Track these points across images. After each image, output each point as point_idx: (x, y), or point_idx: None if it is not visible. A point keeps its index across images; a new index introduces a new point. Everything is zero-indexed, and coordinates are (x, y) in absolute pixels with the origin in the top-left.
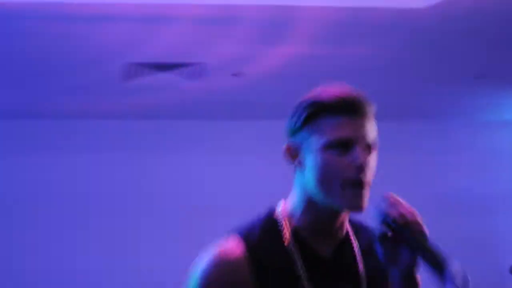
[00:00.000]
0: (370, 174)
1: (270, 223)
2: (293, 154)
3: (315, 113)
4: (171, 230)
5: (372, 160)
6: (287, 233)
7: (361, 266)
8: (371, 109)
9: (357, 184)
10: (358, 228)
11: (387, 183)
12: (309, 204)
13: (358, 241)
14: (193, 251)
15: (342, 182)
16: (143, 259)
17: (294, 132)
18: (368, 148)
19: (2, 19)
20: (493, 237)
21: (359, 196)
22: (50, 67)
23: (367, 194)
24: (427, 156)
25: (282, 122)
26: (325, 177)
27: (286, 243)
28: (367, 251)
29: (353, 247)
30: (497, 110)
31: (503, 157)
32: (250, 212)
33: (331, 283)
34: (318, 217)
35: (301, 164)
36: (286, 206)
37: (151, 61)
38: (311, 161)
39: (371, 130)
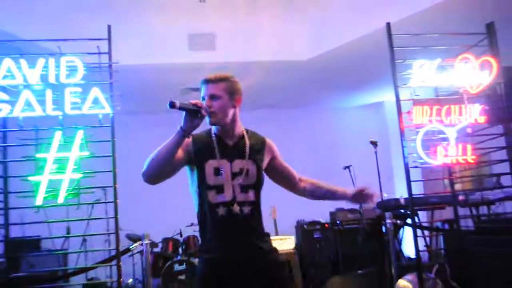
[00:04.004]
0: (215, 108)
1: (208, 131)
2: None
3: (200, 85)
4: None
5: (216, 103)
6: (213, 135)
7: (247, 150)
8: (216, 81)
9: (207, 111)
10: (252, 134)
11: (286, 138)
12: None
13: (250, 140)
14: None
15: (203, 111)
16: None
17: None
18: (212, 97)
19: (123, 73)
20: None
21: (208, 114)
22: (147, 94)
23: (212, 115)
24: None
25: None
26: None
27: (212, 138)
28: (253, 145)
29: (245, 142)
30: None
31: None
32: None
33: (231, 156)
34: (219, 129)
35: None
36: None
37: (194, 86)
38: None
39: (213, 89)
